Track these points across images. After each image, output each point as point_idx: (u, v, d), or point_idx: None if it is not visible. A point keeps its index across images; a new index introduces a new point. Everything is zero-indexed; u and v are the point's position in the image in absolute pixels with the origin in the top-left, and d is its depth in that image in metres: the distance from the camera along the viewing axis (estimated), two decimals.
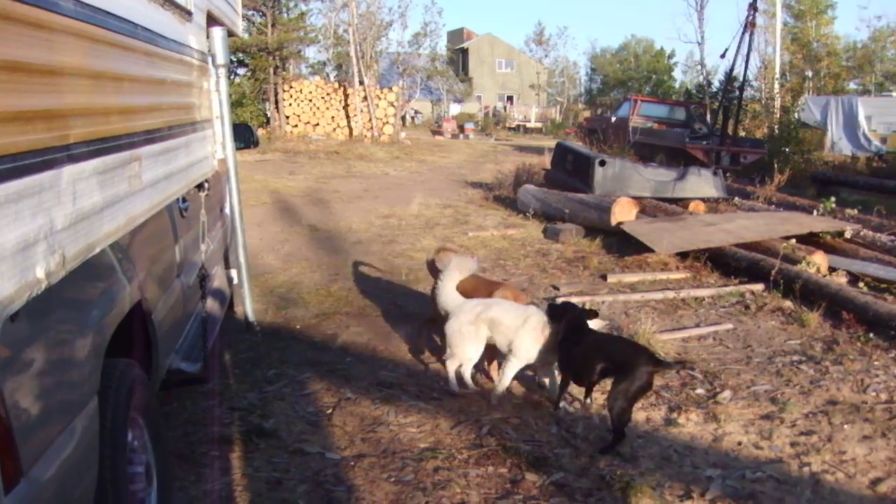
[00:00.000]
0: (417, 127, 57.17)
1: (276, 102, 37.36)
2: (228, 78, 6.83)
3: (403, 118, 49.05)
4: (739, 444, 5.82)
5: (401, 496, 4.89)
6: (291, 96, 38.02)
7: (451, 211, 15.71)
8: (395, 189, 19.51)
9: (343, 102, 38.57)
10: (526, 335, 6.32)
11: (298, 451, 5.45)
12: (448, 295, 6.86)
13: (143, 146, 3.94)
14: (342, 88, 39.08)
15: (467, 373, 6.73)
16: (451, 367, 6.62)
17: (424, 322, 7.74)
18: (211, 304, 6.17)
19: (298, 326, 8.28)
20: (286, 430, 5.77)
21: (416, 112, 64.29)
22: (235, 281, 7.43)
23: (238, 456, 5.34)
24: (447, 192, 19.04)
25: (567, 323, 6.15)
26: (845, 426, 6.17)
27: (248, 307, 7.34)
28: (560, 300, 7.39)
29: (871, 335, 8.50)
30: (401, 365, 7.26)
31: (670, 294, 9.86)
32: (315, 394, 6.50)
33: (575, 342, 6.03)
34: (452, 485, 5.07)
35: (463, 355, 6.56)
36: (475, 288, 7.17)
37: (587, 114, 57.97)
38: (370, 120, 37.72)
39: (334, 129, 38.18)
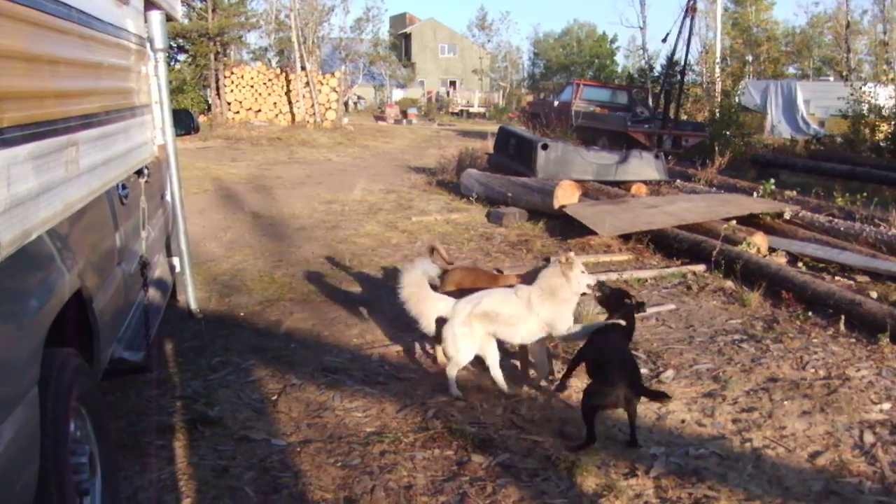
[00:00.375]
0: (360, 112, 56.99)
1: (218, 89, 36.96)
2: (168, 63, 6.75)
3: (346, 104, 48.82)
4: (683, 421, 5.89)
5: (347, 480, 4.89)
6: (233, 82, 37.64)
7: (394, 196, 15.69)
8: (337, 175, 19.43)
9: (285, 88, 38.28)
10: (545, 307, 6.24)
11: (244, 438, 5.42)
12: (431, 302, 6.51)
13: (79, 131, 3.87)
14: (284, 74, 38.78)
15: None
16: (452, 372, 6.35)
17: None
18: (153, 293, 6.10)
19: (242, 314, 8.23)
20: (231, 417, 5.74)
21: (358, 98, 64.04)
22: (178, 269, 7.34)
23: (183, 444, 5.29)
24: (390, 177, 19.01)
25: (619, 314, 6.14)
26: (785, 402, 6.28)
27: (191, 295, 7.27)
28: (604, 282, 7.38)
29: (810, 313, 8.67)
30: (345, 350, 7.24)
31: (613, 276, 9.92)
32: (260, 381, 6.46)
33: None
34: (399, 468, 5.08)
35: (459, 358, 6.31)
36: (474, 284, 7.01)
37: (530, 98, 58.06)
38: (312, 106, 37.48)
39: (276, 116, 37.90)
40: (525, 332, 6.29)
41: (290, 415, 5.85)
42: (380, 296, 8.85)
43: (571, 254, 6.38)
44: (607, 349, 5.75)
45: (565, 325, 6.28)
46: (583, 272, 6.31)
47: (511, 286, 6.66)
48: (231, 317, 8.13)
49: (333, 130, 34.72)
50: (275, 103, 38.18)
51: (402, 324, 7.95)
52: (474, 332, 6.23)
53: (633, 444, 5.46)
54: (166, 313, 6.98)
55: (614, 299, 6.35)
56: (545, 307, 6.20)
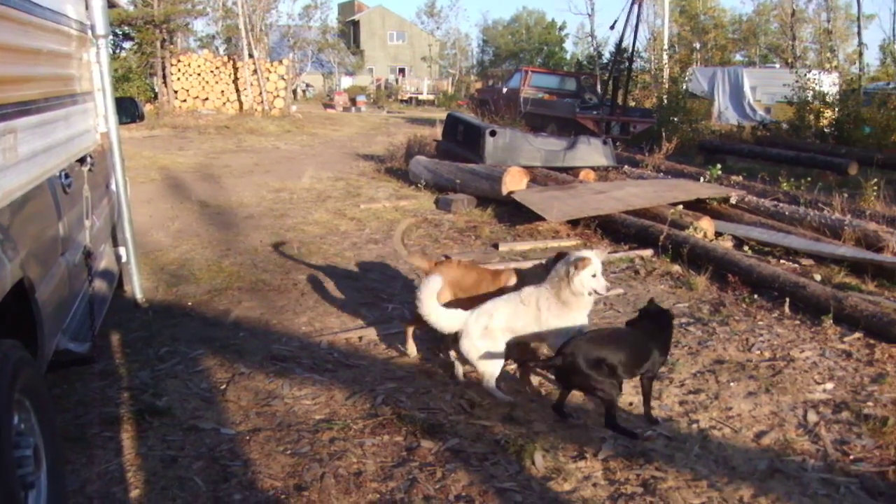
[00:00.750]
0: (309, 100, 56.70)
1: (164, 77, 36.52)
2: (113, 50, 6.68)
3: (294, 92, 48.48)
4: (631, 404, 5.95)
5: (297, 468, 4.89)
6: (180, 70, 37.22)
7: (342, 184, 15.64)
8: (286, 163, 19.33)
9: (233, 76, 37.94)
10: (551, 313, 5.98)
11: (193, 427, 5.39)
12: (441, 315, 6.18)
13: (17, 118, 3.82)
14: (231, 62, 38.43)
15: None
16: (491, 384, 6.06)
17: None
18: (98, 283, 6.04)
19: (190, 303, 8.17)
20: (180, 407, 5.69)
21: (307, 85, 63.71)
22: (124, 259, 7.27)
23: (131, 436, 5.24)
24: (339, 164, 18.95)
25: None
26: (731, 384, 6.37)
27: (137, 285, 7.19)
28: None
29: (756, 296, 8.80)
30: (294, 338, 7.21)
31: None
32: (208, 370, 6.42)
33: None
34: (349, 455, 5.08)
35: (490, 371, 6.06)
36: (477, 282, 6.92)
37: (479, 85, 58.14)
38: (260, 94, 37.20)
39: (224, 104, 37.56)
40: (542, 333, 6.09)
41: (238, 403, 5.82)
42: (329, 283, 8.83)
43: (589, 253, 6.04)
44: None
45: (559, 339, 5.85)
46: (594, 276, 5.89)
47: (511, 285, 6.65)
48: (179, 306, 8.07)
49: (282, 118, 34.49)
50: (222, 91, 37.83)
51: (350, 311, 7.97)
52: (497, 342, 6.02)
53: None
54: (113, 304, 6.91)
55: (660, 317, 6.00)
56: (553, 314, 5.98)
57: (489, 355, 6.00)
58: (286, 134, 28.00)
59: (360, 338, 7.27)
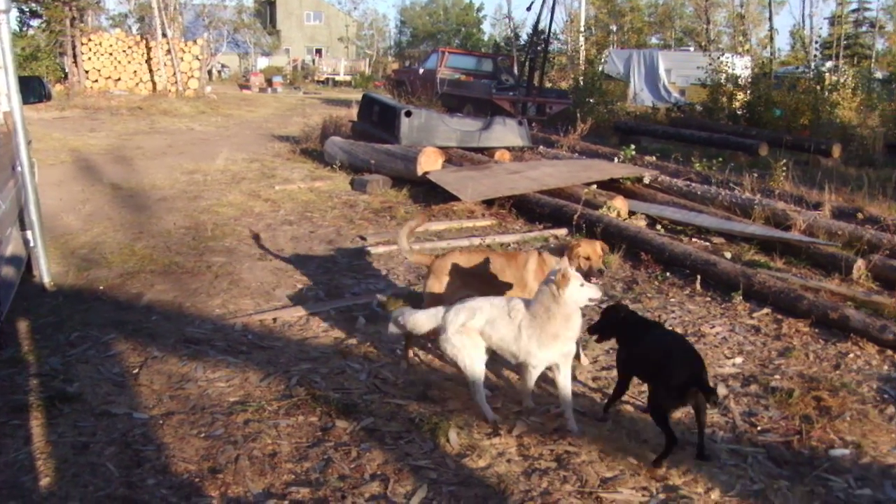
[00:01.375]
0: (224, 81, 55.91)
1: (75, 56, 35.58)
2: (18, 27, 6.53)
3: (209, 72, 47.81)
4: (544, 381, 6.01)
5: (211, 451, 4.86)
6: (91, 50, 36.32)
7: (257, 165, 15.49)
8: (200, 144, 19.09)
9: (146, 56, 37.19)
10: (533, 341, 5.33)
11: (105, 413, 5.31)
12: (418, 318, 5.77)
13: None
14: (144, 42, 37.64)
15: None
16: (476, 391, 5.54)
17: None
18: (5, 268, 5.93)
19: (102, 287, 8.03)
20: (91, 392, 5.61)
21: (222, 66, 62.83)
22: (32, 243, 7.14)
23: (41, 423, 5.15)
24: (254, 146, 18.77)
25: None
26: None
27: (45, 269, 7.08)
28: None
29: (668, 274, 8.98)
30: (208, 321, 7.15)
31: (476, 241, 10.07)
32: (120, 354, 6.33)
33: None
34: (263, 436, 5.07)
35: (473, 370, 5.49)
36: (502, 269, 6.54)
37: (396, 66, 58.00)
38: (174, 74, 36.55)
39: (137, 84, 36.83)
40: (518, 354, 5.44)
41: (151, 387, 5.76)
42: (243, 265, 8.77)
43: (566, 267, 5.26)
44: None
45: (538, 366, 5.43)
46: (582, 285, 5.18)
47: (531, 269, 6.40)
48: (90, 291, 7.93)
49: (196, 99, 33.99)
50: (135, 72, 37.07)
51: (264, 292, 7.92)
52: (475, 340, 5.46)
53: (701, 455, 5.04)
54: (21, 289, 6.79)
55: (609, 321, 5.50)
56: (535, 342, 5.30)
57: (467, 351, 5.43)
58: (201, 115, 27.64)
59: (275, 319, 7.23)
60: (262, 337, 6.82)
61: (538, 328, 5.23)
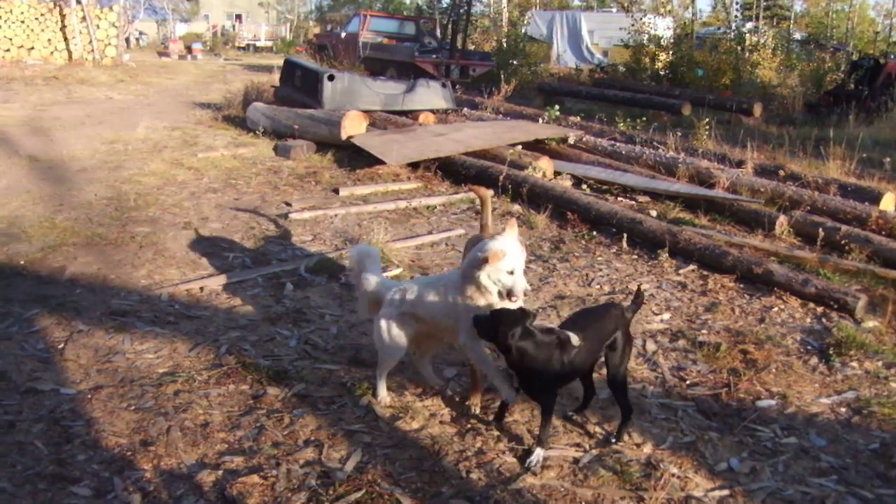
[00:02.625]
0: (143, 49, 54.75)
1: None
2: None
3: (127, 40, 46.81)
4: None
5: (142, 423, 4.80)
6: (1, 18, 35.45)
7: (179, 133, 15.22)
8: (119, 113, 18.68)
9: (60, 24, 36.21)
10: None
11: (31, 390, 5.19)
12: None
13: None
14: (58, 8, 36.58)
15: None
16: (381, 372, 5.26)
17: None
18: None
19: (22, 262, 7.82)
20: (16, 370, 5.46)
21: (140, 33, 61.56)
22: None
23: None
24: (175, 114, 18.43)
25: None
26: None
27: None
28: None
29: (594, 233, 9.06)
30: (133, 292, 7.01)
31: (402, 204, 10.05)
32: (44, 330, 6.18)
33: None
34: (194, 406, 5.02)
35: (383, 355, 5.18)
36: None
37: (317, 30, 57.40)
38: (90, 42, 35.68)
39: (52, 53, 35.87)
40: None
41: (78, 362, 5.64)
42: (167, 235, 8.63)
43: (505, 242, 4.66)
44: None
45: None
46: (511, 272, 4.61)
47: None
48: (10, 266, 7.72)
49: (114, 68, 33.25)
50: (49, 40, 36.10)
51: (189, 261, 7.81)
52: (404, 326, 5.08)
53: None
54: None
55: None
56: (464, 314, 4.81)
57: (389, 341, 5.07)
58: (119, 84, 27.05)
59: (202, 288, 7.13)
60: (190, 306, 6.73)
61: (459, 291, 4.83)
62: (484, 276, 4.62)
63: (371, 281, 5.38)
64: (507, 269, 4.59)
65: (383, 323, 5.09)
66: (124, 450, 4.52)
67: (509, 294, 4.63)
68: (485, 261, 4.57)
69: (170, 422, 4.83)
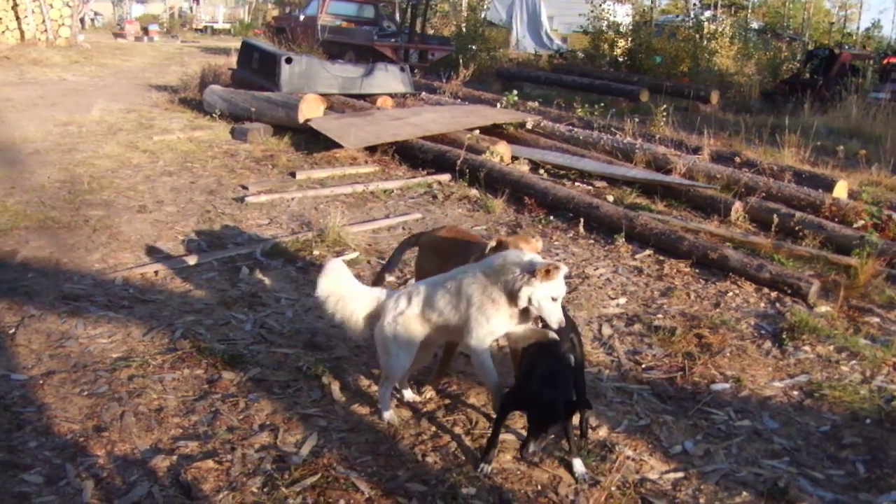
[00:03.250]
0: (98, 30, 54.01)
1: None
2: None
3: (82, 20, 46.14)
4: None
5: (95, 409, 4.75)
6: None
7: (134, 115, 15.04)
8: (74, 95, 18.42)
9: (11, 2, 35.77)
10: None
11: None
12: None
13: None
14: None
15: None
16: (386, 387, 4.89)
17: None
18: None
19: None
20: None
21: (95, 14, 60.70)
22: None
23: None
24: (131, 96, 18.21)
25: None
26: None
27: None
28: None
29: (551, 217, 9.10)
30: (87, 276, 6.93)
31: (359, 188, 10.02)
32: None
33: None
34: (149, 391, 4.98)
35: (392, 369, 4.79)
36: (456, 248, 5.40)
37: (276, 13, 56.98)
38: (44, 22, 35.17)
39: (3, 33, 35.20)
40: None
41: (30, 347, 5.57)
42: (122, 218, 8.53)
43: (552, 265, 4.29)
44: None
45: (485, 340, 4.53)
46: (554, 299, 4.33)
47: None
48: None
49: (68, 49, 32.78)
50: (0, 19, 35.70)
51: (144, 245, 7.74)
52: (412, 333, 4.71)
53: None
54: None
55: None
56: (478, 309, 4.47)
57: (397, 348, 4.70)
58: (74, 65, 26.71)
59: (156, 272, 7.07)
60: (144, 290, 6.67)
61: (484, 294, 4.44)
62: (526, 292, 4.25)
63: (362, 296, 4.88)
64: (552, 295, 4.30)
65: (389, 330, 4.67)
66: (77, 436, 4.47)
67: (542, 320, 4.37)
68: (535, 275, 4.21)
69: (123, 407, 4.79)
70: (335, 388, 5.12)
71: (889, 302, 7.17)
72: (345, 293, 4.82)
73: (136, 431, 4.54)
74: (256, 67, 16.70)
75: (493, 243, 4.79)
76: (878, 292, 7.32)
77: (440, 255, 5.34)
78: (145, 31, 48.24)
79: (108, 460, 4.27)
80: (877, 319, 6.84)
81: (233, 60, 18.89)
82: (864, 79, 21.40)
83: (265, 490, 4.07)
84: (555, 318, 4.29)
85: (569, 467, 4.36)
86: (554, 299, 4.28)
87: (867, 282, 7.40)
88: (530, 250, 4.67)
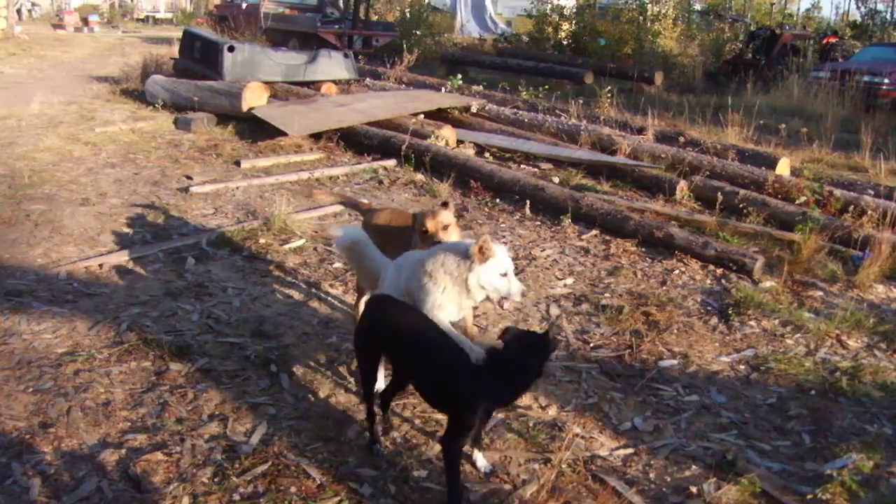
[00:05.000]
0: (36, 21, 53.21)
1: None
2: None
3: (19, 11, 45.44)
4: None
5: (41, 405, 4.69)
6: None
7: (75, 107, 14.82)
8: (12, 88, 18.13)
9: None
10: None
11: None
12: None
13: None
14: None
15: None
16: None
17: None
18: None
19: None
20: None
21: (33, 4, 59.75)
22: None
23: None
24: (71, 88, 17.95)
25: None
26: None
27: None
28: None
29: (498, 200, 9.13)
30: (29, 271, 6.82)
31: (305, 175, 9.99)
32: None
33: None
34: (95, 385, 4.93)
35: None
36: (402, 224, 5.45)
37: (218, 1, 56.49)
38: None
39: None
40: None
41: None
42: (64, 212, 8.41)
43: (492, 244, 4.15)
44: None
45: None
46: (504, 274, 4.20)
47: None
48: None
49: (5, 40, 32.25)
50: None
51: (88, 238, 7.64)
52: None
53: None
54: None
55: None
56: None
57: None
58: (11, 57, 26.26)
59: (101, 265, 6.97)
60: (89, 284, 6.58)
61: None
62: (475, 280, 4.13)
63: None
64: (499, 272, 4.17)
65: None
66: (23, 433, 4.42)
67: (503, 299, 4.27)
68: (472, 259, 4.09)
69: (70, 402, 4.74)
70: (284, 376, 5.10)
71: (831, 276, 7.29)
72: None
73: (84, 426, 4.49)
74: (199, 57, 16.54)
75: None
76: (821, 267, 7.44)
77: (381, 236, 5.28)
78: (85, 21, 47.58)
79: (55, 457, 4.22)
80: (820, 293, 6.95)
81: (175, 50, 18.70)
82: (805, 58, 21.65)
83: (216, 480, 4.06)
84: (514, 289, 4.21)
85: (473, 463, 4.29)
86: (504, 275, 4.17)
87: (810, 257, 7.52)
88: (438, 213, 4.77)
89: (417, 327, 4.10)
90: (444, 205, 4.98)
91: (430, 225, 4.74)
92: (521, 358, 3.76)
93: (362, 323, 4.46)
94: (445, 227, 4.76)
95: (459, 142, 11.69)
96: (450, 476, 3.83)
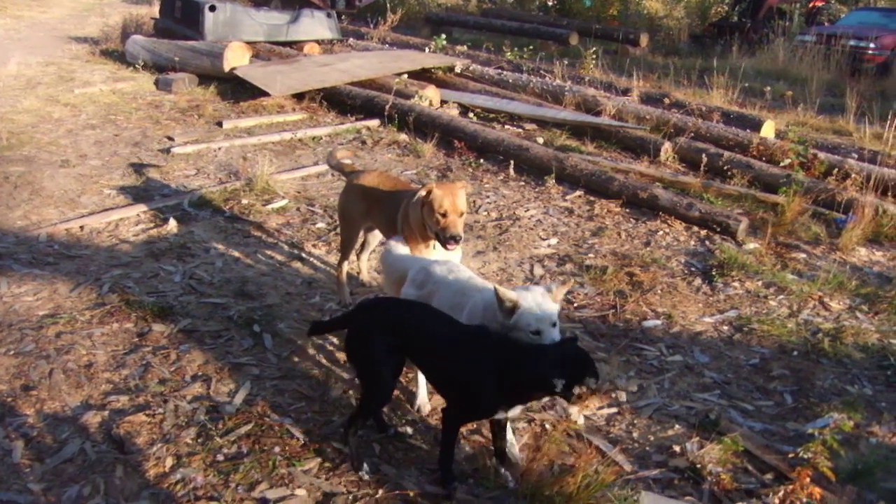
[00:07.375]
0: None
1: None
2: None
3: None
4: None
5: (23, 368, 4.67)
6: None
7: (54, 68, 14.65)
8: None
9: None
10: None
11: None
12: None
13: None
14: None
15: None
16: None
17: None
18: None
19: None
20: None
21: None
22: None
23: None
24: (49, 48, 17.72)
25: None
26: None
27: None
28: None
29: (482, 160, 9.10)
30: (9, 234, 6.75)
31: (287, 135, 9.91)
32: None
33: None
34: (77, 347, 4.91)
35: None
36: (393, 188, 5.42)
37: None
38: None
39: None
40: None
41: None
42: (44, 174, 8.32)
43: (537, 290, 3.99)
44: None
45: None
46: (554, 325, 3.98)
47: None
48: None
49: None
50: None
51: (68, 200, 7.57)
52: None
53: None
54: None
55: None
56: None
57: None
58: None
59: (82, 227, 6.93)
60: (70, 246, 6.54)
61: None
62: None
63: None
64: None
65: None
66: (4, 396, 4.40)
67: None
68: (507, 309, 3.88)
69: (52, 364, 4.72)
70: (267, 336, 5.09)
71: (815, 238, 7.33)
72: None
73: (66, 388, 4.48)
74: (179, 16, 16.37)
75: (423, 192, 4.67)
76: (804, 229, 7.48)
77: (367, 199, 5.32)
78: None
79: (37, 419, 4.21)
80: (803, 255, 6.98)
81: (155, 10, 18.52)
82: (791, 22, 21.60)
83: (199, 441, 4.05)
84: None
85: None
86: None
87: (793, 219, 7.54)
88: (458, 194, 4.62)
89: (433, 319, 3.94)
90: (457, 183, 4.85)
91: (448, 206, 4.56)
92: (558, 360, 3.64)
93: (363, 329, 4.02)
94: (461, 214, 4.63)
95: (443, 102, 11.62)
96: (444, 445, 3.81)
